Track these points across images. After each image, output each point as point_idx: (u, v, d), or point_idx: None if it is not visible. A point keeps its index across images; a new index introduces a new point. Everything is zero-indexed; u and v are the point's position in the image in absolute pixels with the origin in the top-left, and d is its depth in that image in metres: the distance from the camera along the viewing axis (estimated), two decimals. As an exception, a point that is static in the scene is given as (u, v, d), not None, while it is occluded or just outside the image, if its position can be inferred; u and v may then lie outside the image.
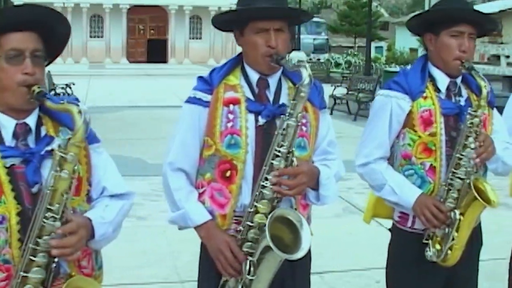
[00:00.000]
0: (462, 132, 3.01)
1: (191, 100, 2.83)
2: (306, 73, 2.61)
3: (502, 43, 18.66)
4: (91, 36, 51.79)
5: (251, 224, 2.64)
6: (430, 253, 3.07)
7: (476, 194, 2.93)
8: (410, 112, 3.09)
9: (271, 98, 2.80)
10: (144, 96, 23.15)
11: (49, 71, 16.44)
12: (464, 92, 3.18)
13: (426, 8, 26.95)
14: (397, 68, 22.52)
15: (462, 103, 3.14)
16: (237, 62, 2.87)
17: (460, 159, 2.98)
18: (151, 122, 15.84)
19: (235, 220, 2.74)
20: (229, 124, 2.74)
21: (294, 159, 2.64)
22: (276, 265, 2.62)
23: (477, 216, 3.06)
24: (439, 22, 3.11)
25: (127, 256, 5.86)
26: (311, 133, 2.81)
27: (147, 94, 23.84)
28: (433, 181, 3.07)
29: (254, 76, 2.81)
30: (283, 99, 2.80)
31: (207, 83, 2.82)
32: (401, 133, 3.12)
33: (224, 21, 2.92)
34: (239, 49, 2.95)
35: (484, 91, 3.01)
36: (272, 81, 2.82)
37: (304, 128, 2.76)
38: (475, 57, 17.15)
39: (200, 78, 2.87)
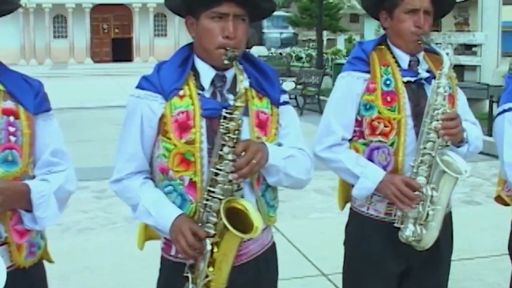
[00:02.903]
0: (217, 139, 2.48)
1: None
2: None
3: (469, 31, 18.26)
4: (54, 37, 50.95)
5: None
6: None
7: (226, 223, 2.35)
8: (163, 116, 2.55)
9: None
10: (97, 96, 22.86)
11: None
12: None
13: None
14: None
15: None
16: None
17: (217, 174, 2.47)
18: (89, 124, 15.62)
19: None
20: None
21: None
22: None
23: (234, 250, 2.51)
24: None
25: None
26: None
27: (100, 94, 23.57)
28: (194, 200, 2.53)
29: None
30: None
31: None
32: (156, 141, 2.59)
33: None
34: None
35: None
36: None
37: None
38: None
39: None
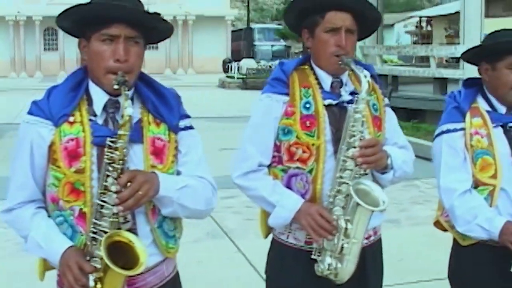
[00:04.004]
0: (102, 169, 2.36)
1: None
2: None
3: (458, 43, 18.19)
4: (45, 49, 50.84)
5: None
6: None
7: (106, 259, 2.24)
8: (52, 143, 2.44)
9: None
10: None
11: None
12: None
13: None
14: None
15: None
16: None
17: (102, 206, 2.33)
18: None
19: None
20: None
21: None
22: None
23: (119, 286, 2.40)
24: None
25: None
26: None
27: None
28: (84, 232, 2.43)
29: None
30: None
31: None
32: (47, 169, 2.47)
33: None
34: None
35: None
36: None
37: None
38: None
39: None
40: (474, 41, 15.32)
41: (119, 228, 2.36)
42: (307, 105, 2.90)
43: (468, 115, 3.12)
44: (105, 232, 2.30)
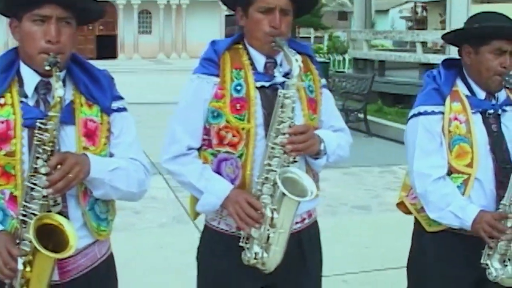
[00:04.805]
0: (32, 151, 2.33)
1: None
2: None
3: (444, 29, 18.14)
4: (37, 34, 50.47)
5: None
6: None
7: (35, 242, 2.22)
8: None
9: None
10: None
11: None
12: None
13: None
14: (321, 59, 22.00)
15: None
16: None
17: (32, 189, 2.30)
18: None
19: None
20: None
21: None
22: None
23: (49, 268, 2.37)
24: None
25: None
26: None
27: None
28: (15, 215, 2.38)
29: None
30: None
31: None
32: None
33: None
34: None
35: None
36: None
37: None
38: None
39: None
40: (460, 26, 15.28)
41: (49, 211, 2.33)
42: (238, 87, 2.81)
43: (448, 99, 3.04)
44: (35, 215, 2.28)
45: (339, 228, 6.94)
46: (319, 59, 18.82)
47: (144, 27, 50.36)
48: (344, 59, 26.63)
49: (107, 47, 49.05)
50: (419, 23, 43.40)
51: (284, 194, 2.61)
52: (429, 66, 15.72)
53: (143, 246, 6.37)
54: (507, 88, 3.03)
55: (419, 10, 45.30)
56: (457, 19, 14.70)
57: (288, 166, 2.70)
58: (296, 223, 2.92)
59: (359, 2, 19.29)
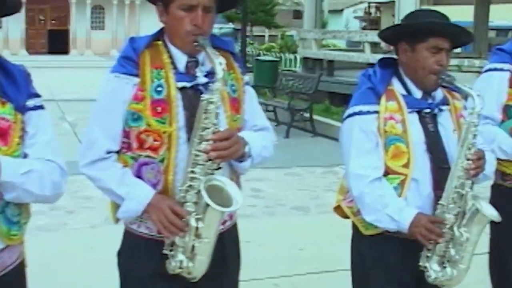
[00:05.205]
0: None
1: None
2: None
3: None
4: None
5: None
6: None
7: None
8: None
9: None
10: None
11: None
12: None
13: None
14: (271, 57, 22.01)
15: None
16: None
17: None
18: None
19: None
20: None
21: None
22: None
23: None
24: None
25: None
26: None
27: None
28: None
29: None
30: None
31: None
32: None
33: None
34: None
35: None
36: None
37: None
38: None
39: None
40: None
41: None
42: (159, 89, 2.68)
43: (383, 98, 2.97)
44: None
45: (276, 230, 6.88)
46: (269, 58, 18.90)
47: (97, 22, 49.88)
48: (296, 58, 26.65)
49: (59, 42, 48.47)
50: (373, 24, 43.80)
51: (208, 204, 2.53)
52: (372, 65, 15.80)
53: (75, 247, 6.21)
54: (444, 87, 3.01)
55: (372, 10, 45.68)
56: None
57: (212, 173, 2.62)
58: None
59: (309, 2, 19.29)
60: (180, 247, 2.61)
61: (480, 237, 2.95)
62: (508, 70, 3.57)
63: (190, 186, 2.59)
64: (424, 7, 16.57)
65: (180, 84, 2.71)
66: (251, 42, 37.40)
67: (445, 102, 3.09)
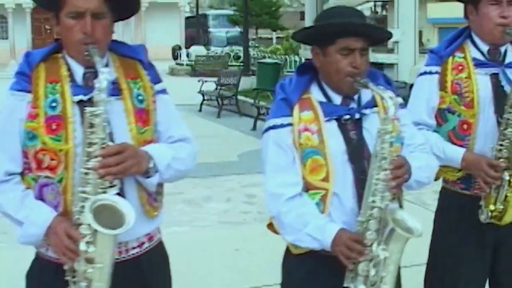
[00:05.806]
0: None
1: None
2: None
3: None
4: None
5: None
6: None
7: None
8: None
9: None
10: None
11: None
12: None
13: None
14: (273, 60, 21.83)
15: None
16: None
17: None
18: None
19: None
20: None
21: None
22: None
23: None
24: None
25: None
26: None
27: None
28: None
29: None
30: None
31: None
32: None
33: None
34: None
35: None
36: None
37: None
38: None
39: None
40: (409, 25, 15.18)
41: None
42: (53, 104, 2.53)
43: (296, 109, 2.74)
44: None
45: (268, 237, 6.61)
46: (271, 61, 18.68)
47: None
48: (301, 59, 26.46)
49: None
50: (379, 22, 43.38)
51: (96, 230, 2.40)
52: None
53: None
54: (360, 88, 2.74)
55: (379, 9, 45.37)
56: (405, 18, 14.60)
57: (104, 192, 2.45)
58: (133, 248, 2.70)
59: (310, 2, 19.10)
60: (80, 273, 2.47)
61: (402, 254, 2.68)
62: (436, 72, 3.35)
63: (82, 206, 2.44)
64: (430, 4, 16.34)
65: (77, 98, 2.56)
66: (256, 45, 37.24)
67: (372, 104, 2.81)
